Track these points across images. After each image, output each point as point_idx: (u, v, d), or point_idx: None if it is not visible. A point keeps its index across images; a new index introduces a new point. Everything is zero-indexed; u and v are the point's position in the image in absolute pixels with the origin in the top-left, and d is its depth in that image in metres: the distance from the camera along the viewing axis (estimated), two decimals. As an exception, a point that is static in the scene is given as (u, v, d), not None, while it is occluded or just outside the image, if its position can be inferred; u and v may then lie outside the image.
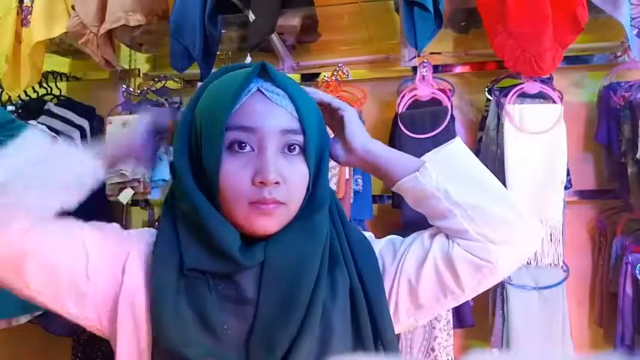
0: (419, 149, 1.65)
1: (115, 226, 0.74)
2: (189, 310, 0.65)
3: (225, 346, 0.64)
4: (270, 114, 0.67)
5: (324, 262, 0.69)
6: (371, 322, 0.69)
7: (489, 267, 0.70)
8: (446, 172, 0.73)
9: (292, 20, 1.72)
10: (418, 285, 0.72)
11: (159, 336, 0.64)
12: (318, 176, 0.72)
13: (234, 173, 0.66)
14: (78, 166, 0.70)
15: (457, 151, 0.77)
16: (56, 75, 2.11)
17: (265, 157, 0.66)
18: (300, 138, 0.68)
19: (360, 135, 0.77)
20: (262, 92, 0.67)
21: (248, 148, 0.66)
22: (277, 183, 0.65)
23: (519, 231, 0.71)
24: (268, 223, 0.67)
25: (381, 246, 0.77)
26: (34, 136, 0.71)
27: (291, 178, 0.67)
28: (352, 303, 0.70)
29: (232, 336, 0.65)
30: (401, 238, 0.78)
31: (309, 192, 0.70)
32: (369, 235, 0.79)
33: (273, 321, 0.64)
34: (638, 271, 1.54)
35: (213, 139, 0.66)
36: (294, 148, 0.68)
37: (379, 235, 0.80)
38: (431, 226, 0.75)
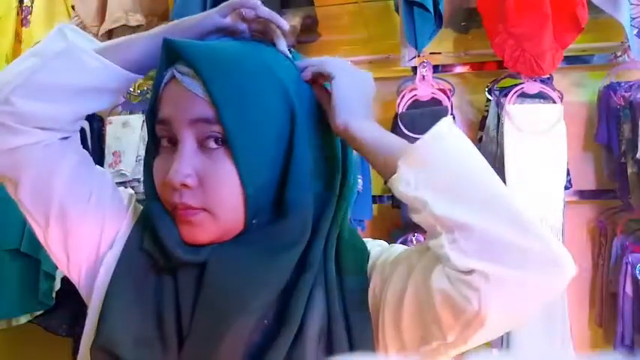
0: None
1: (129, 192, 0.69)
2: (139, 306, 0.58)
3: (160, 348, 0.56)
4: (181, 102, 0.56)
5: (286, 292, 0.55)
6: None
7: (471, 312, 0.47)
8: (428, 170, 0.51)
9: (292, 20, 1.71)
10: (401, 321, 0.54)
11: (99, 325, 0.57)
12: (284, 177, 0.57)
13: (156, 173, 0.59)
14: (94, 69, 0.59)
15: (443, 138, 0.53)
16: (56, 75, 2.11)
17: (177, 155, 0.56)
18: (217, 129, 0.55)
19: (343, 110, 0.57)
20: (176, 78, 0.57)
21: (169, 142, 0.58)
22: (185, 185, 0.55)
23: (528, 264, 0.47)
24: (193, 233, 0.57)
25: (376, 265, 0.61)
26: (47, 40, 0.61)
27: (209, 179, 0.55)
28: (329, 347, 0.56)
29: (169, 339, 0.56)
30: (398, 251, 0.61)
31: (251, 197, 0.56)
32: (376, 250, 0.63)
33: (206, 346, 0.54)
34: (638, 271, 1.54)
35: (149, 135, 0.62)
36: (216, 141, 0.55)
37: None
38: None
